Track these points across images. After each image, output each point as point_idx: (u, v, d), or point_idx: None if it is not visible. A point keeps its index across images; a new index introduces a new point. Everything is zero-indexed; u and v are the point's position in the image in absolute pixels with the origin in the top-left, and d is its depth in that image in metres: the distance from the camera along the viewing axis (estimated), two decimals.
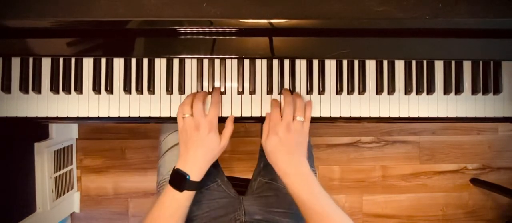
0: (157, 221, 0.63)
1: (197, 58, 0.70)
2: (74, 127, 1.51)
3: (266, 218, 0.76)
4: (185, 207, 0.64)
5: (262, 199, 0.80)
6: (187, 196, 0.63)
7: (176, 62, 0.70)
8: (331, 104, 0.71)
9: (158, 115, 0.70)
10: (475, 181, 1.63)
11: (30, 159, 1.23)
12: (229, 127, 0.67)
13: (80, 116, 0.70)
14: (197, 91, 0.69)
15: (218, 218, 0.76)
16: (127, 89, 0.69)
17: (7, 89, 0.68)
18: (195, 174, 0.63)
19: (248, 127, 1.54)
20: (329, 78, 0.71)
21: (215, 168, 0.85)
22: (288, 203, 0.79)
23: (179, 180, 0.63)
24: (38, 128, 1.29)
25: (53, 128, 1.33)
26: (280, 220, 0.76)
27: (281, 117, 0.65)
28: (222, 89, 0.70)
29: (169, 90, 0.69)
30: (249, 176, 0.93)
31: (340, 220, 0.59)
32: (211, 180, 0.81)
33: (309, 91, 0.71)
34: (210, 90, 0.70)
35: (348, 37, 0.68)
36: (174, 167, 0.64)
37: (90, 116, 0.70)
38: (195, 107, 0.64)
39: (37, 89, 0.68)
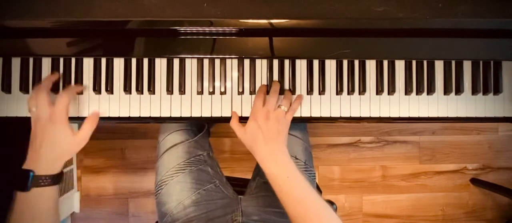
0: None
1: (197, 58, 0.70)
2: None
3: (263, 218, 0.76)
4: (45, 209, 0.57)
5: (260, 199, 0.80)
6: (40, 195, 0.56)
7: (176, 62, 0.70)
8: (331, 104, 0.71)
9: (158, 115, 0.70)
10: (475, 181, 1.63)
11: None
12: (87, 122, 0.62)
13: (80, 115, 0.70)
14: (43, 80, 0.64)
15: (216, 219, 0.76)
16: (127, 89, 0.69)
17: (7, 89, 0.68)
18: (42, 168, 0.56)
19: None
20: (329, 78, 0.71)
21: (213, 169, 0.85)
22: None
23: (20, 179, 0.55)
24: None
25: None
26: (277, 220, 0.76)
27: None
28: (222, 89, 0.70)
29: (170, 90, 0.69)
30: (249, 176, 0.93)
31: (316, 207, 0.58)
32: (209, 181, 0.82)
33: (309, 91, 0.71)
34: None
35: (348, 37, 0.68)
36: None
37: None
38: (35, 97, 0.59)
39: None
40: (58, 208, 0.59)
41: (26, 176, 0.55)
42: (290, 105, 0.67)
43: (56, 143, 0.58)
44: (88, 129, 0.62)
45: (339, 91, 0.71)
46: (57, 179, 0.59)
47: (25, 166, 0.57)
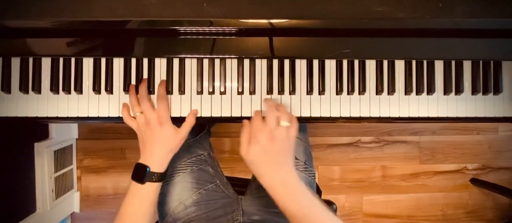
0: (124, 219, 0.63)
1: (197, 58, 0.70)
2: (74, 127, 1.51)
3: (264, 218, 0.76)
4: (150, 201, 0.65)
5: (260, 199, 0.80)
6: (150, 188, 0.64)
7: (176, 62, 0.70)
8: (331, 104, 0.71)
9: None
10: (475, 181, 1.63)
11: (30, 159, 1.23)
12: (188, 120, 0.67)
13: (80, 115, 0.70)
14: (134, 86, 0.68)
15: (216, 218, 0.76)
16: (127, 89, 0.69)
17: (7, 89, 0.68)
18: (155, 165, 0.64)
19: None
20: (329, 78, 0.71)
21: (214, 169, 0.85)
22: None
23: (139, 172, 0.64)
24: (38, 128, 1.29)
25: (53, 128, 1.32)
26: (278, 221, 0.76)
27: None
28: (222, 89, 0.70)
29: (169, 90, 0.69)
30: (249, 176, 0.93)
31: None
32: (209, 181, 0.81)
33: (309, 91, 0.70)
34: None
35: (348, 37, 0.68)
36: (136, 163, 0.66)
37: (90, 115, 0.70)
38: (142, 105, 0.65)
39: (37, 89, 0.68)
40: (156, 203, 0.67)
41: (143, 170, 0.64)
42: (290, 118, 0.62)
43: (165, 142, 0.65)
44: (188, 126, 0.67)
45: (339, 91, 0.71)
46: (163, 176, 0.66)
47: (141, 161, 0.65)
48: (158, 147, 0.65)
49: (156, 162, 0.65)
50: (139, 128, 0.66)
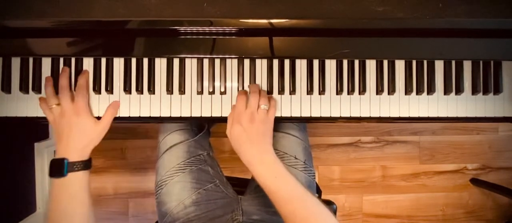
0: (56, 217, 0.60)
1: (197, 58, 0.70)
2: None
3: (264, 218, 0.76)
4: (80, 192, 0.62)
5: (260, 199, 0.80)
6: (75, 179, 0.62)
7: (176, 62, 0.70)
8: (331, 104, 0.71)
9: (158, 115, 0.70)
10: (475, 181, 1.63)
11: (30, 159, 1.23)
12: (108, 111, 0.67)
13: None
14: (52, 78, 0.68)
15: (216, 218, 0.76)
16: (127, 89, 0.69)
17: (7, 89, 0.68)
18: (74, 155, 0.62)
19: None
20: (330, 78, 0.71)
21: (213, 169, 0.85)
22: None
23: (56, 167, 0.61)
24: (38, 128, 1.29)
25: None
26: (278, 220, 0.76)
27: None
28: (222, 89, 0.70)
29: (170, 90, 0.69)
30: (249, 176, 0.93)
31: (306, 204, 0.58)
32: (209, 181, 0.81)
33: (309, 91, 0.70)
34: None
35: (348, 37, 0.68)
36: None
37: None
38: (60, 95, 0.64)
39: (37, 89, 0.68)
40: (89, 192, 0.64)
41: (61, 163, 0.61)
42: (270, 103, 0.67)
43: (83, 132, 0.64)
44: (109, 116, 0.67)
45: (339, 91, 0.71)
46: (88, 163, 0.65)
47: (56, 156, 0.63)
48: (76, 137, 0.63)
49: (75, 152, 0.63)
50: (55, 119, 0.64)
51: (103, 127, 0.66)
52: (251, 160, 0.63)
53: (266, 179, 0.61)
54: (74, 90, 0.67)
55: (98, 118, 0.67)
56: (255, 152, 0.63)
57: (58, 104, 0.64)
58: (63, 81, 0.66)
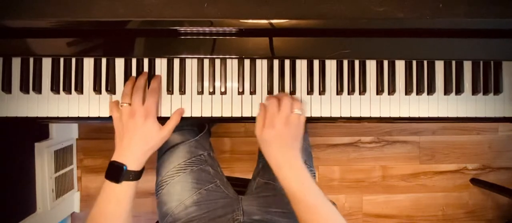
0: (99, 219, 0.61)
1: (198, 58, 0.70)
2: (74, 127, 1.51)
3: (265, 218, 0.76)
4: (127, 200, 0.62)
5: (260, 199, 0.80)
6: (127, 187, 0.62)
7: (176, 62, 0.70)
8: (331, 104, 0.71)
9: (158, 115, 0.70)
10: (475, 181, 1.63)
11: (30, 159, 1.23)
12: (173, 118, 0.67)
13: (80, 115, 0.70)
14: (135, 78, 0.68)
15: (217, 218, 0.76)
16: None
17: (7, 89, 0.68)
18: (132, 163, 0.62)
19: (248, 127, 1.54)
20: (330, 78, 0.71)
21: (214, 169, 0.85)
22: (287, 203, 0.78)
23: (115, 171, 0.61)
24: (38, 128, 1.29)
25: (53, 128, 1.32)
26: (278, 220, 0.76)
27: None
28: (223, 89, 0.70)
29: (170, 90, 0.69)
30: (249, 176, 0.94)
31: (328, 214, 0.58)
32: (210, 181, 0.82)
33: (310, 91, 0.71)
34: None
35: (348, 37, 0.68)
36: (110, 160, 0.63)
37: (90, 115, 0.70)
38: (133, 95, 0.63)
39: (38, 89, 0.68)
40: (133, 202, 0.64)
41: (120, 170, 0.61)
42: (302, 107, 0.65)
43: (146, 138, 0.63)
44: (173, 124, 0.67)
45: (339, 91, 0.71)
46: (140, 175, 0.65)
47: (116, 158, 0.62)
48: (139, 142, 0.63)
49: (134, 160, 0.62)
50: (121, 118, 0.64)
51: (166, 134, 0.66)
52: (281, 163, 0.61)
53: (293, 185, 0.60)
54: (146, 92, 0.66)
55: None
56: (286, 156, 0.61)
57: (129, 103, 0.63)
58: (141, 82, 0.66)
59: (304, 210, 0.59)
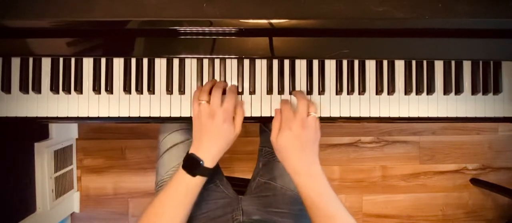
0: (166, 204, 0.62)
1: (197, 58, 0.70)
2: (74, 127, 1.51)
3: (264, 218, 0.76)
4: (195, 194, 0.63)
5: (260, 199, 0.80)
6: (199, 182, 0.63)
7: (176, 62, 0.70)
8: (331, 104, 0.71)
9: (158, 115, 0.70)
10: (475, 181, 1.63)
11: (30, 159, 1.23)
12: (239, 113, 0.66)
13: (80, 116, 0.70)
14: (217, 81, 0.69)
15: (216, 218, 0.76)
16: (127, 89, 0.69)
17: (7, 89, 0.68)
18: (208, 161, 0.63)
19: (248, 127, 1.54)
20: (329, 78, 0.71)
21: (213, 169, 0.84)
22: (286, 203, 0.79)
23: (193, 164, 0.62)
24: (38, 128, 1.29)
25: (53, 128, 1.32)
26: (278, 220, 0.76)
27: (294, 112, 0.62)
28: None
29: (169, 90, 0.70)
30: (249, 176, 0.93)
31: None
32: (209, 181, 0.81)
33: (309, 91, 0.71)
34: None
35: (348, 37, 0.68)
36: (188, 152, 0.64)
37: (90, 115, 0.70)
38: (213, 95, 0.63)
39: (37, 89, 0.68)
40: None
41: (197, 164, 0.62)
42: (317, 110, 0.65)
43: (225, 139, 0.64)
44: (241, 119, 0.66)
45: (338, 91, 0.71)
46: (211, 172, 0.65)
47: (196, 153, 0.63)
48: (216, 143, 0.63)
49: (211, 158, 0.63)
50: (200, 115, 0.63)
51: (238, 131, 0.66)
52: (299, 169, 0.60)
53: (311, 192, 0.59)
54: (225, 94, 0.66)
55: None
56: (304, 162, 0.60)
57: (208, 101, 0.63)
58: (220, 84, 0.66)
59: (321, 218, 0.58)
